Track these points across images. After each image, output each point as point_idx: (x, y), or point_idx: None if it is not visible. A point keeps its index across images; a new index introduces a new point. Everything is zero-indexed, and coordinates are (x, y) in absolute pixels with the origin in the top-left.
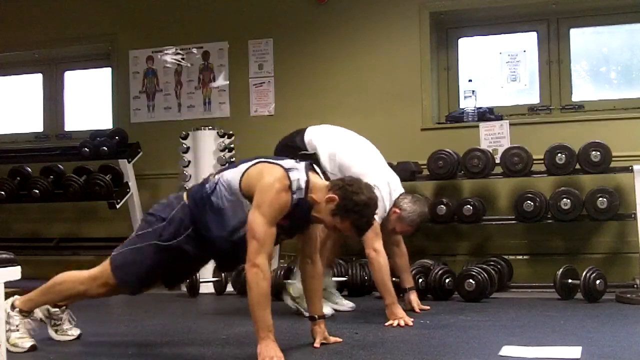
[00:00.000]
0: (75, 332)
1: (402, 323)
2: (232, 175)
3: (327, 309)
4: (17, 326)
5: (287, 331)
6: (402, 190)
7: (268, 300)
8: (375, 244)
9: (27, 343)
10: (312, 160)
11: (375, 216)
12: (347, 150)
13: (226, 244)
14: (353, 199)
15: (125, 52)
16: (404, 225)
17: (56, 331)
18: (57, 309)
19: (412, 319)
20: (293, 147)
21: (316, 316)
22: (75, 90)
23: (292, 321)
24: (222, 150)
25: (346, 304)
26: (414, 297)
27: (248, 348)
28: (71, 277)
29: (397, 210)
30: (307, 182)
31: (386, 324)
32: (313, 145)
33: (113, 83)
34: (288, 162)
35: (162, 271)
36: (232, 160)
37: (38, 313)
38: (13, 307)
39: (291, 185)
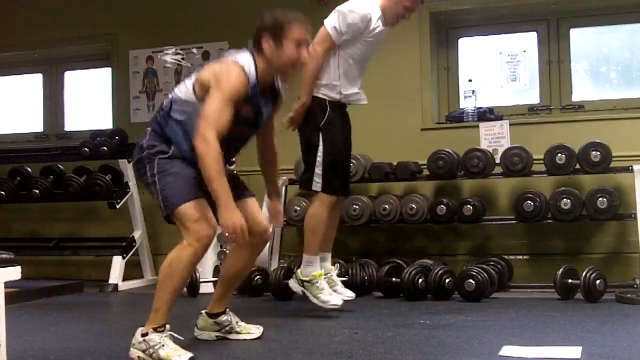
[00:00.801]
0: (256, 329)
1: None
2: (183, 88)
3: (338, 300)
4: (159, 343)
5: (287, 331)
6: None
7: (222, 169)
8: (317, 45)
9: (186, 356)
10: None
11: (329, 28)
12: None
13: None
14: (268, 19)
15: (125, 52)
16: None
17: (238, 332)
18: (221, 317)
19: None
20: (312, 109)
21: (273, 193)
22: (75, 90)
23: (292, 321)
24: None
25: (345, 293)
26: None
27: (248, 348)
28: (172, 260)
29: None
30: (255, 63)
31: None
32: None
33: (113, 83)
34: (233, 54)
35: (191, 176)
36: (232, 160)
37: (210, 334)
38: (144, 334)
39: (244, 70)
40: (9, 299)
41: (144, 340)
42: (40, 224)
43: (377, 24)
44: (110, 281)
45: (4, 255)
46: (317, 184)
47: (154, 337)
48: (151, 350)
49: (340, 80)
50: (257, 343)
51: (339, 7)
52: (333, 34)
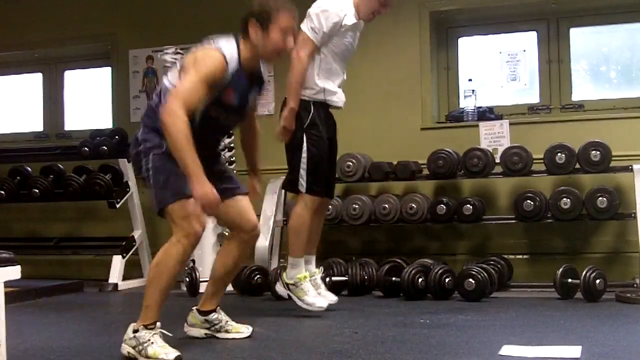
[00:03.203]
0: (245, 328)
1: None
2: (171, 77)
3: (324, 302)
4: (149, 340)
5: (287, 331)
6: None
7: (190, 140)
8: (300, 50)
9: (173, 354)
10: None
11: (308, 33)
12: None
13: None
14: (256, 5)
15: (125, 51)
16: None
17: (227, 331)
18: (211, 315)
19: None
20: (302, 107)
21: (252, 169)
22: (75, 90)
23: (292, 321)
24: (221, 150)
25: (328, 297)
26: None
27: (248, 347)
28: (161, 257)
29: None
30: (239, 49)
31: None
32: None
33: (113, 83)
34: (217, 40)
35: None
36: (232, 159)
37: (199, 330)
38: (135, 331)
39: (225, 57)
40: (9, 298)
41: (134, 336)
42: (40, 224)
43: (351, 19)
44: (110, 281)
45: (3, 255)
46: (301, 185)
47: (144, 334)
48: (140, 347)
49: (320, 79)
50: (256, 342)
51: (310, 10)
52: (313, 36)
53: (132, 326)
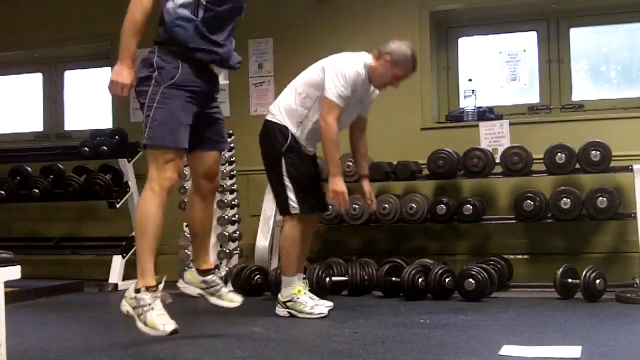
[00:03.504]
0: (238, 298)
1: (342, 201)
2: None
3: (324, 309)
4: (149, 305)
5: (287, 330)
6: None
7: (138, 31)
8: (327, 117)
9: (170, 326)
10: None
11: (333, 97)
12: (298, 78)
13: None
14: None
15: None
16: (402, 64)
17: (220, 297)
18: (209, 275)
19: (348, 202)
20: (272, 137)
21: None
22: (75, 90)
23: (292, 321)
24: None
25: (324, 304)
26: (366, 183)
27: (248, 348)
28: (140, 210)
29: (387, 57)
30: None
31: (329, 198)
32: (278, 105)
33: None
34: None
35: (185, 118)
36: (232, 159)
37: (194, 289)
38: (137, 291)
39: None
40: (9, 298)
41: (135, 297)
42: (40, 224)
43: (363, 88)
44: (110, 280)
45: (3, 255)
46: (294, 208)
47: (145, 297)
48: (140, 310)
49: (303, 131)
50: (256, 342)
51: (332, 70)
52: (340, 102)
53: (133, 285)
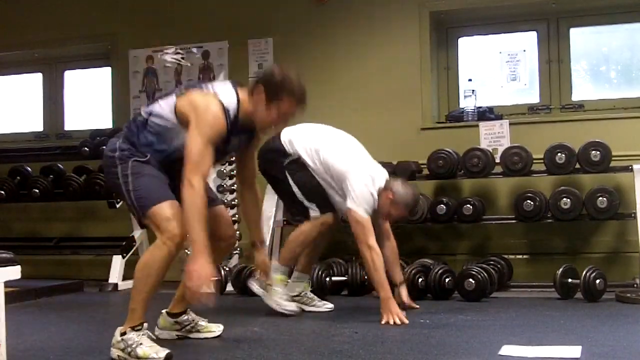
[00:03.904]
0: (218, 328)
1: (398, 321)
2: (164, 104)
3: (294, 307)
4: (137, 342)
5: (287, 331)
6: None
7: (203, 217)
8: (368, 240)
9: (162, 352)
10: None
11: (361, 212)
12: (329, 147)
13: (167, 158)
14: (272, 77)
15: (125, 51)
16: (399, 208)
17: (199, 331)
18: (181, 316)
19: (406, 317)
20: (276, 151)
21: (257, 242)
22: (75, 90)
23: (292, 321)
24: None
25: (324, 306)
26: (404, 291)
27: (248, 348)
28: (147, 260)
29: (390, 195)
30: (238, 100)
31: (382, 321)
32: (292, 145)
33: (113, 83)
34: (216, 86)
35: (164, 180)
36: (232, 159)
37: (170, 333)
38: (123, 334)
39: (224, 106)
40: (9, 298)
41: (122, 339)
42: (40, 224)
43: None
44: (110, 280)
45: (3, 255)
46: (313, 211)
47: (131, 336)
48: (129, 349)
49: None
50: (256, 342)
51: (356, 192)
52: (368, 214)
53: (119, 330)
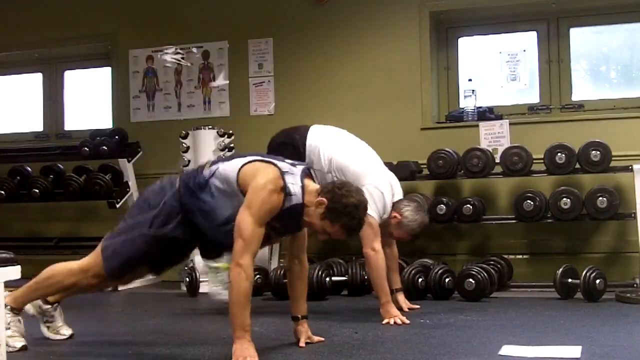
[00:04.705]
0: (67, 331)
1: (399, 321)
2: (229, 168)
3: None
4: (8, 324)
5: (287, 331)
6: (401, 192)
7: (248, 301)
8: (374, 244)
9: (18, 343)
10: (308, 165)
11: (374, 215)
12: (348, 152)
13: (216, 233)
14: (342, 201)
15: (125, 51)
16: (402, 232)
17: (48, 328)
18: (49, 306)
19: (406, 319)
20: (292, 145)
21: (299, 316)
22: (75, 89)
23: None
24: (222, 150)
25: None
26: (401, 297)
27: None
28: (61, 270)
29: (398, 216)
30: (303, 187)
31: (383, 322)
32: (315, 147)
33: (113, 82)
34: (284, 165)
35: (153, 259)
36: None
37: (30, 309)
38: (10, 308)
39: (285, 187)
40: None
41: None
42: (40, 224)
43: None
44: None
45: (3, 255)
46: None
47: (8, 316)
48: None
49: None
50: (257, 343)
51: (373, 195)
52: (379, 218)
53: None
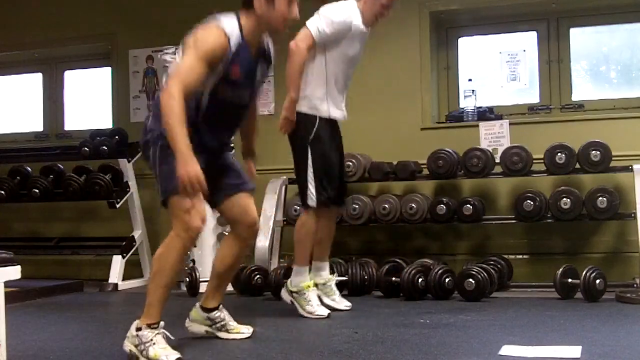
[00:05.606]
0: (247, 329)
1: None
2: (175, 62)
3: (324, 311)
4: (151, 340)
5: (287, 330)
6: None
7: (183, 120)
8: (300, 42)
9: (173, 356)
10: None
11: (312, 27)
12: None
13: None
14: None
15: (125, 51)
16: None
17: (227, 331)
18: (214, 312)
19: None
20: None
21: (248, 151)
22: (75, 90)
23: (292, 321)
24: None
25: (342, 303)
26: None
27: (248, 347)
28: (162, 251)
29: None
30: (240, 24)
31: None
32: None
33: (113, 82)
34: (215, 19)
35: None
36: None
37: (200, 327)
38: (138, 329)
39: (226, 31)
40: (9, 298)
41: (137, 334)
42: (40, 224)
43: (358, 27)
44: (110, 280)
45: (3, 255)
46: (311, 200)
47: (146, 334)
48: (142, 347)
49: (326, 97)
50: (256, 342)
51: (320, 10)
52: (315, 34)
53: (135, 323)
